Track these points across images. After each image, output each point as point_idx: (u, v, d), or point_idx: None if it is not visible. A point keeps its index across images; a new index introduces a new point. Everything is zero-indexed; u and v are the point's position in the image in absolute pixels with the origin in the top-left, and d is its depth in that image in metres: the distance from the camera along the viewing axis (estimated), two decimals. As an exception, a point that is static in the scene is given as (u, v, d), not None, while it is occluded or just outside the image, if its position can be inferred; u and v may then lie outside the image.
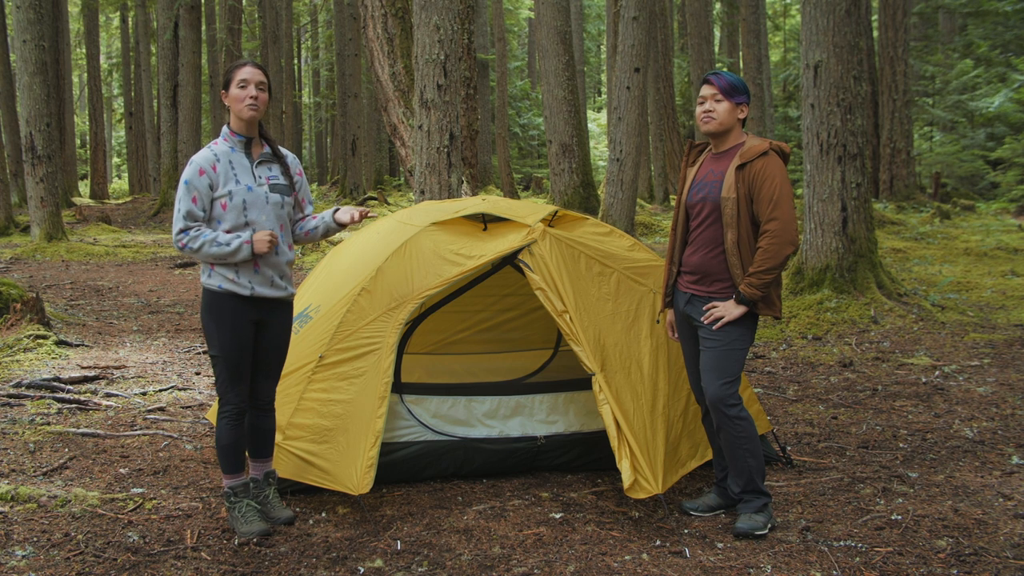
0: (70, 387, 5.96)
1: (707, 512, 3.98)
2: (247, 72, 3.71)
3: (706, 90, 3.80)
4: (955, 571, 3.36)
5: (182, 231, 3.62)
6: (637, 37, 12.68)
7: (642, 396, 4.03)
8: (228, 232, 3.66)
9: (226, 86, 3.75)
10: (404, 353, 4.65)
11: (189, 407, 5.72)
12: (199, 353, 7.36)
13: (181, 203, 3.64)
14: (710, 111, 3.78)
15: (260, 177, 3.75)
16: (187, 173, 3.65)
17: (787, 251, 3.63)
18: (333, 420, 3.98)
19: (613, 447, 3.79)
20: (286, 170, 3.85)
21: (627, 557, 3.53)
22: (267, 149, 3.83)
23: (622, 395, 3.95)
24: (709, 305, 3.76)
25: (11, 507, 3.90)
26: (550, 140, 16.94)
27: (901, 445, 4.99)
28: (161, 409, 5.63)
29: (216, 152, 3.70)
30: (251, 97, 3.69)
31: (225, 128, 3.80)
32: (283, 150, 3.91)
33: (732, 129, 3.82)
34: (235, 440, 3.74)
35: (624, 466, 3.74)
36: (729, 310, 3.70)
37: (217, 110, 28.15)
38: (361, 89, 29.47)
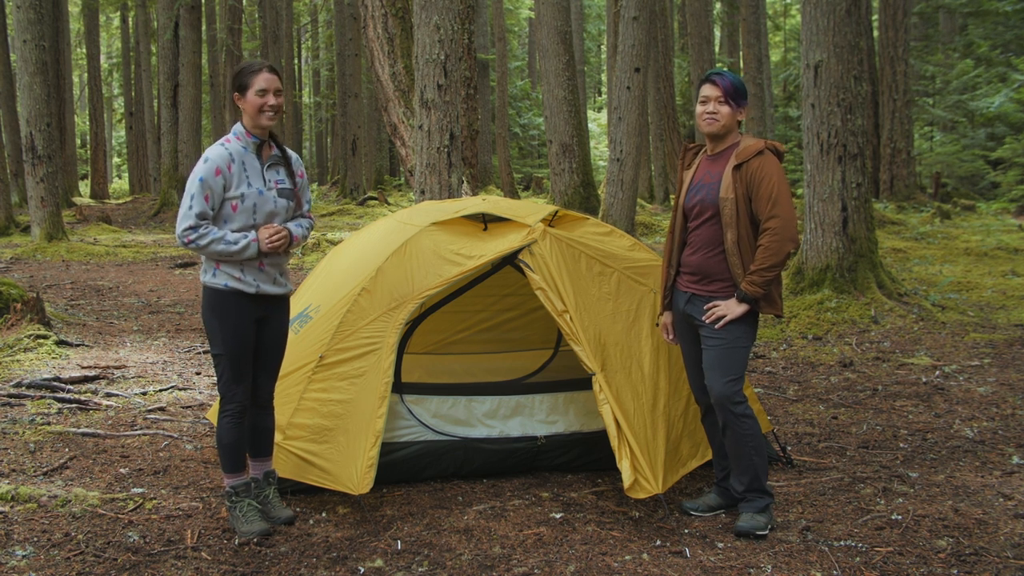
0: (70, 387, 5.95)
1: (707, 512, 3.98)
2: (265, 80, 3.67)
3: (710, 90, 3.78)
4: (955, 571, 3.36)
5: (191, 228, 3.59)
6: (637, 37, 12.67)
7: (643, 396, 4.03)
8: (236, 232, 3.67)
9: (241, 90, 3.68)
10: (404, 353, 4.65)
11: (189, 407, 5.72)
12: (199, 353, 7.36)
13: (194, 200, 3.59)
14: (713, 113, 3.78)
15: (269, 181, 3.75)
16: (203, 170, 3.60)
17: (788, 248, 3.64)
18: (333, 420, 3.98)
19: (613, 447, 3.79)
20: (291, 172, 3.86)
21: (627, 557, 3.53)
22: (276, 151, 3.83)
23: (622, 395, 3.95)
24: (710, 304, 3.76)
25: (11, 507, 3.90)
26: (550, 140, 16.93)
27: (901, 445, 4.99)
28: (161, 409, 5.63)
29: (231, 151, 3.68)
30: (269, 106, 3.68)
31: (239, 127, 3.76)
32: (288, 151, 3.91)
33: (731, 130, 3.82)
34: (237, 439, 3.74)
35: (624, 466, 3.74)
36: (731, 308, 3.70)
37: (217, 110, 28.15)
38: (361, 89, 29.48)
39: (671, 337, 4.05)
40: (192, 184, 3.60)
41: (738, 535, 3.70)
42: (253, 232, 3.66)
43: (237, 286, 3.67)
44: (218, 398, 3.87)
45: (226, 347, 3.68)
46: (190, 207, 3.59)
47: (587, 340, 3.97)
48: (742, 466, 3.77)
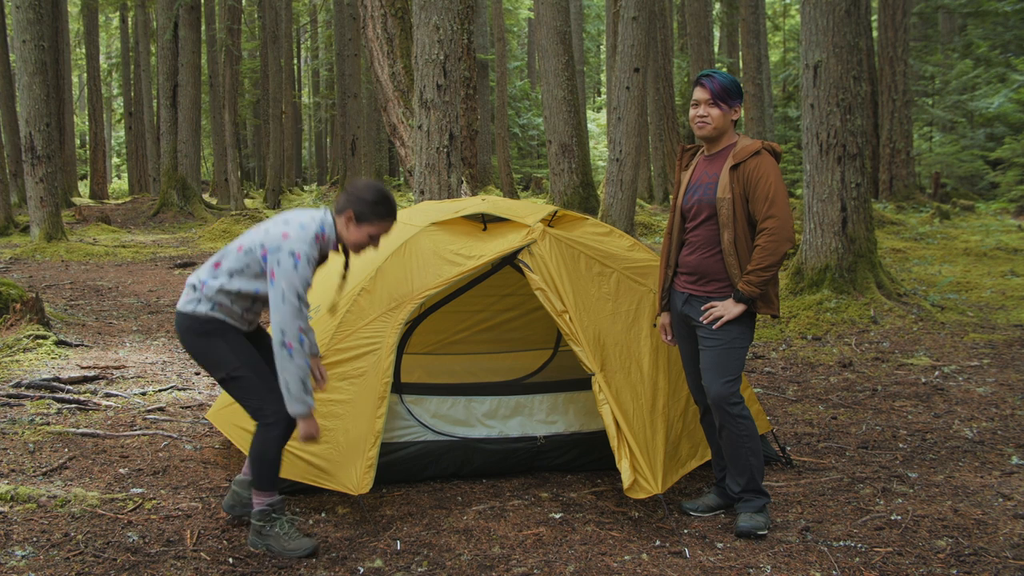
0: (70, 387, 5.95)
1: (707, 512, 3.98)
2: (387, 228, 3.49)
3: (700, 94, 3.80)
4: (955, 571, 3.36)
5: (304, 330, 3.34)
6: (637, 37, 12.67)
7: (642, 396, 4.03)
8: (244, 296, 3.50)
9: (361, 218, 3.43)
10: (404, 353, 4.65)
11: (189, 407, 5.72)
12: (199, 353, 7.35)
13: (301, 290, 3.30)
14: (704, 116, 3.79)
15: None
16: (306, 245, 3.34)
17: (785, 248, 3.64)
18: (333, 420, 3.98)
19: (613, 447, 3.79)
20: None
21: (627, 557, 3.53)
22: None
23: (622, 395, 3.95)
24: (708, 305, 3.76)
25: (11, 507, 3.90)
26: (550, 140, 16.93)
27: (901, 445, 4.99)
28: (161, 409, 5.62)
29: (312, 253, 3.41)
30: (370, 248, 3.56)
31: (333, 228, 3.48)
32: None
33: (726, 131, 3.83)
34: (280, 455, 3.54)
35: (624, 466, 3.74)
36: (728, 309, 3.70)
37: (217, 110, 28.10)
38: (361, 89, 29.48)
39: (669, 338, 4.05)
40: (300, 261, 3.31)
41: (739, 535, 3.70)
42: (309, 404, 3.38)
43: (233, 323, 3.52)
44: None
45: (240, 359, 3.46)
46: (298, 297, 3.29)
47: (586, 340, 3.97)
48: (739, 466, 3.77)
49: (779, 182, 3.68)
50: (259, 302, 3.54)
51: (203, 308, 3.48)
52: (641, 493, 3.72)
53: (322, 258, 3.53)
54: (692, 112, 3.84)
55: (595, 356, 3.96)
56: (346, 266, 3.69)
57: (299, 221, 3.41)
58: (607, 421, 3.83)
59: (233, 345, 3.50)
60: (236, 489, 3.77)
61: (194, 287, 3.51)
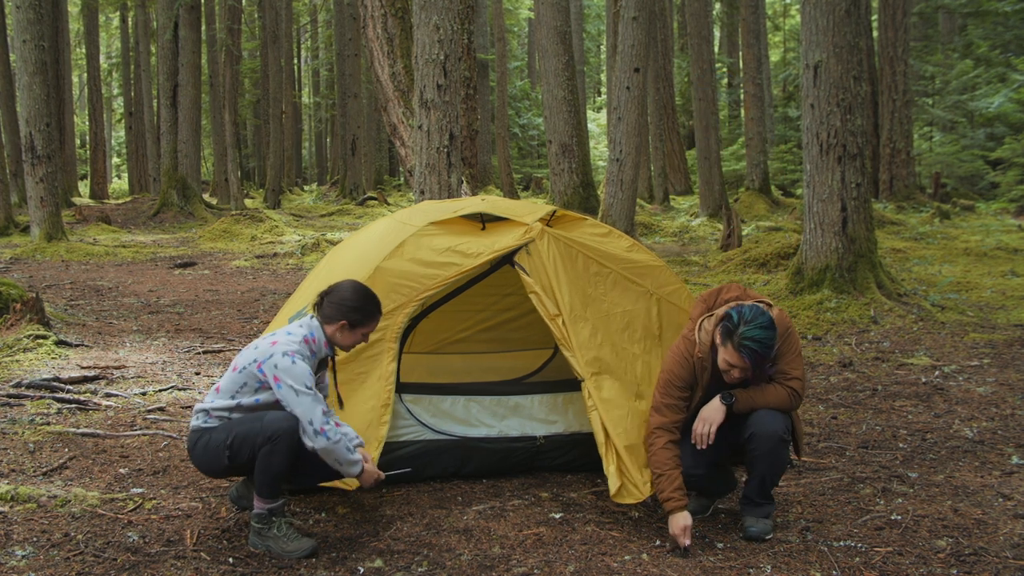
0: (70, 387, 5.95)
1: (696, 513, 3.95)
2: (375, 325, 3.70)
3: (736, 359, 3.56)
4: (955, 571, 3.36)
5: (327, 412, 3.45)
6: (637, 37, 12.67)
7: (635, 399, 4.02)
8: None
9: (353, 325, 3.59)
10: (404, 352, 4.65)
11: (189, 407, 5.72)
12: (199, 353, 7.36)
13: (310, 387, 3.43)
14: (738, 377, 3.65)
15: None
16: (296, 346, 3.51)
17: (791, 407, 3.74)
18: (333, 420, 3.98)
19: (601, 454, 3.81)
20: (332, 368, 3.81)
21: (627, 557, 3.53)
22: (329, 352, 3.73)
23: (614, 399, 3.93)
24: (695, 427, 3.73)
25: (11, 507, 3.90)
26: (550, 140, 16.93)
27: (901, 445, 4.99)
28: (161, 409, 5.63)
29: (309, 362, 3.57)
30: (362, 344, 3.72)
31: (322, 334, 3.60)
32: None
33: None
34: (285, 468, 3.53)
35: (611, 471, 3.75)
36: (714, 417, 3.69)
37: (217, 110, 28.09)
38: (361, 89, 29.48)
39: (688, 543, 3.58)
40: (299, 366, 3.44)
41: (748, 539, 3.68)
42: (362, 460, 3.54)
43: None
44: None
45: (225, 432, 3.51)
46: (307, 387, 3.41)
47: (578, 346, 3.98)
48: (767, 483, 3.75)
49: (799, 347, 3.77)
50: (260, 409, 3.58)
51: (199, 422, 3.61)
52: (629, 498, 3.73)
53: (320, 363, 3.68)
54: (724, 365, 3.61)
55: (588, 360, 3.96)
56: (332, 368, 3.79)
57: (287, 330, 3.61)
58: (596, 427, 3.86)
59: (218, 431, 3.54)
60: (249, 482, 3.78)
61: (202, 411, 3.62)
